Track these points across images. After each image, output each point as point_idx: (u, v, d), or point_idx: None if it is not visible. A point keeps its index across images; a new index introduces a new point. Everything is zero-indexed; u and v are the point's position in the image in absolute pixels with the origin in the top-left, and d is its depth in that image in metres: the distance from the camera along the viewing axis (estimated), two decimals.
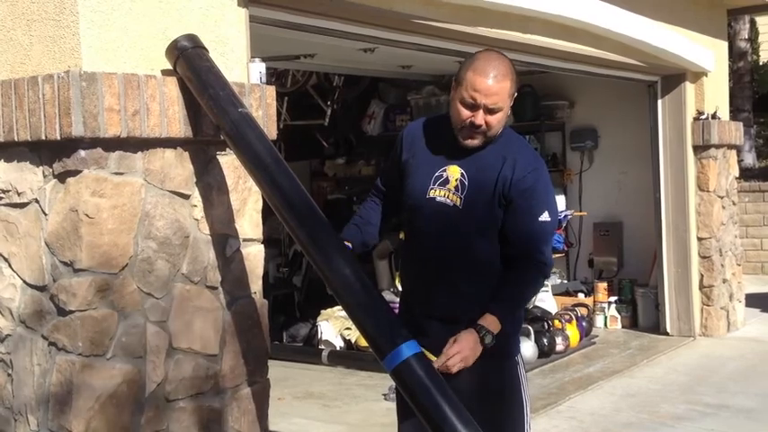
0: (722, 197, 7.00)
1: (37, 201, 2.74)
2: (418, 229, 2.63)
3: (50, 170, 2.70)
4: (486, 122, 2.48)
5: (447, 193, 2.55)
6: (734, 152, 7.35)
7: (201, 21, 3.00)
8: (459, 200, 2.53)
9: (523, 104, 7.26)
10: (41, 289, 2.72)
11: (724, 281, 7.02)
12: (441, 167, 2.57)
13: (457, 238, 2.54)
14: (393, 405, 4.96)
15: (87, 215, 2.61)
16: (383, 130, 8.08)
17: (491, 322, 2.44)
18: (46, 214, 2.71)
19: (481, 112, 2.46)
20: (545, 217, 2.52)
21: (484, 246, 2.55)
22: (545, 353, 6.08)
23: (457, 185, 2.54)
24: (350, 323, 5.92)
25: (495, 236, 2.55)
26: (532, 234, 2.53)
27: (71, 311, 2.61)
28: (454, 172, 2.55)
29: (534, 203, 2.52)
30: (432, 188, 2.56)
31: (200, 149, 2.94)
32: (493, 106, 2.46)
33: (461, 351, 2.39)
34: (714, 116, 6.83)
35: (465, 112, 2.48)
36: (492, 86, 2.44)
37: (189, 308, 2.88)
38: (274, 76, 7.22)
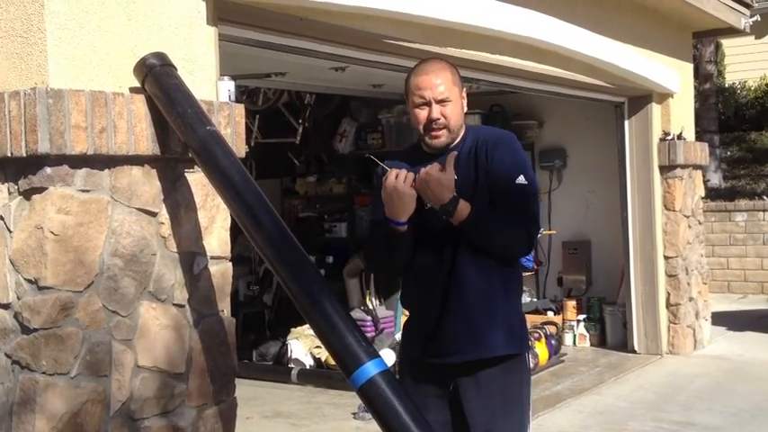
0: (688, 216, 7.10)
1: (2, 218, 2.71)
2: (423, 246, 2.61)
3: (16, 187, 2.68)
4: (442, 114, 2.58)
5: None
6: (699, 172, 7.47)
7: (170, 39, 3.00)
8: None
9: (493, 124, 7.27)
10: (5, 307, 2.69)
11: (690, 299, 7.10)
12: None
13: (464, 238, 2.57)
14: (362, 424, 5.02)
15: (53, 232, 2.59)
16: (354, 149, 8.09)
17: (464, 204, 2.48)
18: (11, 231, 2.68)
19: (434, 105, 2.57)
20: (521, 180, 2.58)
21: None
22: None
23: None
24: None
25: None
26: (513, 196, 2.58)
27: (35, 329, 2.59)
28: None
29: (508, 168, 2.59)
30: None
31: (168, 167, 2.93)
32: (441, 97, 2.57)
33: (437, 177, 2.44)
34: (680, 137, 6.93)
35: (421, 114, 2.60)
36: (432, 79, 2.58)
37: (155, 326, 2.86)
38: (246, 94, 7.21)
